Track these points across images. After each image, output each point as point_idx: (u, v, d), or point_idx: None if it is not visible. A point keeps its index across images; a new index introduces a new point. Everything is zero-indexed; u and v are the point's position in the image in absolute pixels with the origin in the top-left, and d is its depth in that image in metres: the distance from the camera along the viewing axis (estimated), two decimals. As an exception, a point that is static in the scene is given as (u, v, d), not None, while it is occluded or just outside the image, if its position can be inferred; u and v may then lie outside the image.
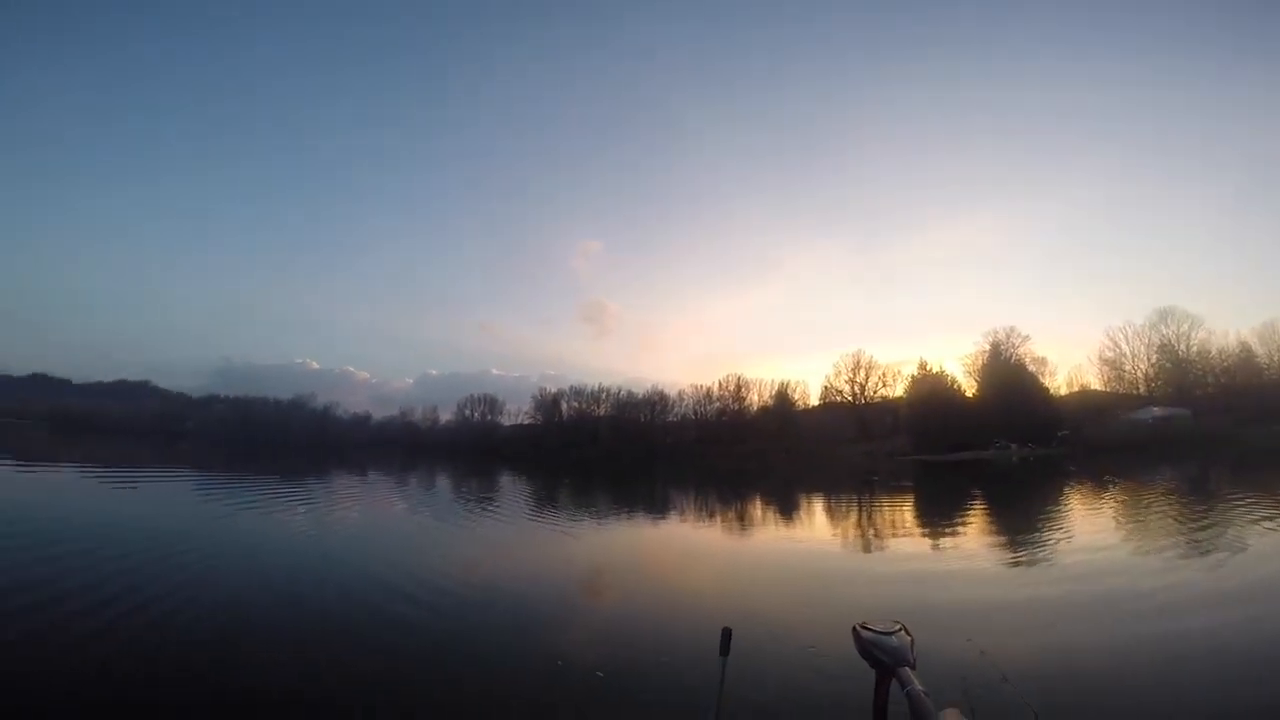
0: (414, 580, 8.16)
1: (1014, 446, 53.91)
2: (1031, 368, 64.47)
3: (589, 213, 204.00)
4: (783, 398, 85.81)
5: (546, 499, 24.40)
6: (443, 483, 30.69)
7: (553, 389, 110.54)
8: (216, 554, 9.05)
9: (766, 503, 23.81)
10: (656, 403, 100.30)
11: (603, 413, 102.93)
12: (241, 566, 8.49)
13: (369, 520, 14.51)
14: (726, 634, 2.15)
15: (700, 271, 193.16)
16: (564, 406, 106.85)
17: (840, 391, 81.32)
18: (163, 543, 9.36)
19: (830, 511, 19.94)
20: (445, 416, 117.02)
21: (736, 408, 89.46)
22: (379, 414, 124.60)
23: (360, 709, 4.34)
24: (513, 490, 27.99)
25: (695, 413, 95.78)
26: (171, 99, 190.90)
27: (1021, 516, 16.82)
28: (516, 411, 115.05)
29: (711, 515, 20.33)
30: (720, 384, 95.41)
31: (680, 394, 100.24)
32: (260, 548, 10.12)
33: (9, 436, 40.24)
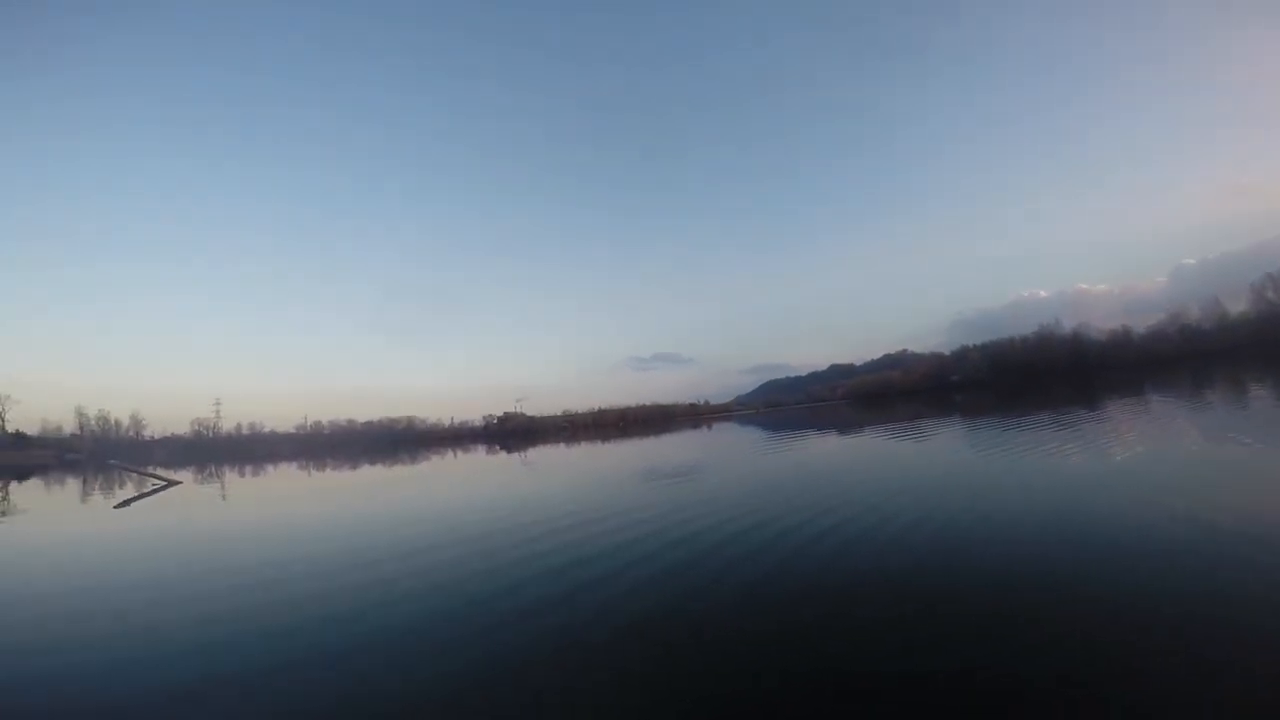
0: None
1: None
2: None
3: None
4: None
5: None
6: (1259, 392, 22.80)
7: None
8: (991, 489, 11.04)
9: None
10: None
11: None
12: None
13: (1163, 451, 12.44)
14: None
15: None
16: None
17: None
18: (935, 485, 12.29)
19: None
20: (1236, 308, 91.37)
21: None
22: (1137, 325, 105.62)
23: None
24: None
25: None
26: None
27: None
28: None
29: None
30: None
31: None
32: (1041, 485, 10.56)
33: (826, 414, 58.05)
